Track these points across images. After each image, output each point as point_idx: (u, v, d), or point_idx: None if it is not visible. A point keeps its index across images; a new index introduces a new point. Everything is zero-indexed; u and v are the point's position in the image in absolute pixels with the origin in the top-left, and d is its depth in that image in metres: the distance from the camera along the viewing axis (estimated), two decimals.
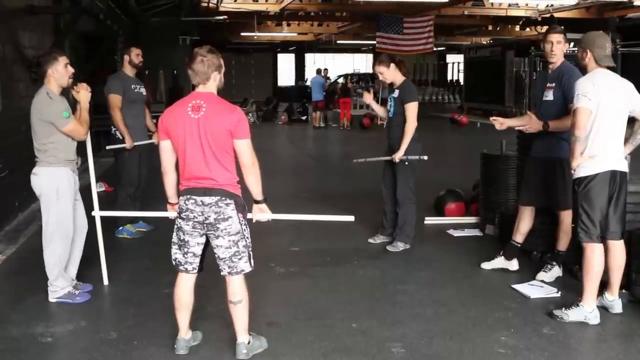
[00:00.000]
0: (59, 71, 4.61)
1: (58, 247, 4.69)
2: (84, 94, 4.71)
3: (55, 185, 4.63)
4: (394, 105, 5.98)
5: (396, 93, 5.97)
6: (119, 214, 5.35)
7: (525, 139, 5.65)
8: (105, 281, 5.08)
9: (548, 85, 5.04)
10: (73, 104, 4.79)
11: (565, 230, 5.13)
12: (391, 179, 6.09)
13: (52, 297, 4.71)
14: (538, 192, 5.16)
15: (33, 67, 7.46)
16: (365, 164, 6.70)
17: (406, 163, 5.88)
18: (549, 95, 5.01)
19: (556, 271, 5.15)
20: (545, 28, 23.04)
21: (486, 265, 5.44)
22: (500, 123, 5.21)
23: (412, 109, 5.85)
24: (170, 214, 3.85)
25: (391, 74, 5.95)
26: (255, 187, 3.70)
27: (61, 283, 4.71)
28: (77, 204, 4.84)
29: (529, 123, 5.02)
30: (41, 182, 4.66)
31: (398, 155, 5.83)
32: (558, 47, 4.99)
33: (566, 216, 5.09)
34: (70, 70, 4.69)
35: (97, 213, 4.82)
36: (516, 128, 5.27)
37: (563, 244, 5.16)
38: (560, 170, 4.98)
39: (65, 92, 4.84)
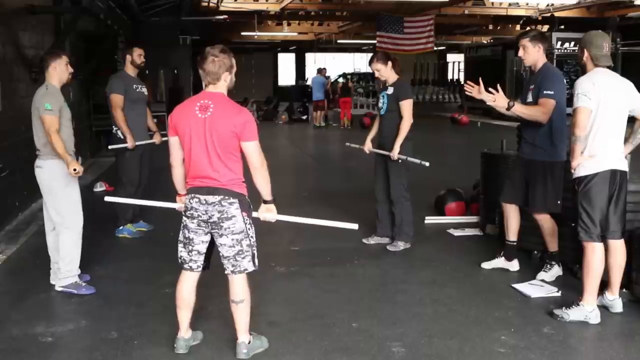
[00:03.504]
0: (62, 67, 4.84)
1: (74, 231, 4.82)
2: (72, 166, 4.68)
3: (63, 174, 4.72)
4: (387, 103, 5.95)
5: (390, 90, 5.94)
6: (131, 201, 5.30)
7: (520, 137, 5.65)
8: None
9: (530, 87, 5.06)
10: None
11: (547, 232, 5.13)
12: (384, 178, 6.06)
13: (59, 285, 4.80)
14: (520, 190, 5.18)
15: (34, 67, 7.49)
16: (363, 155, 6.59)
17: (399, 161, 5.83)
18: (529, 97, 5.03)
19: (556, 270, 5.16)
20: (545, 27, 23.09)
21: (486, 265, 5.44)
22: (478, 91, 4.98)
23: (407, 106, 5.85)
24: (177, 205, 3.87)
25: (388, 72, 5.94)
26: (265, 188, 3.71)
27: (73, 267, 4.81)
28: None
29: (495, 97, 4.86)
30: (47, 173, 4.76)
31: (395, 153, 5.80)
32: (525, 52, 5.02)
33: (544, 220, 5.10)
34: (70, 69, 4.91)
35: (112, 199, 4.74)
36: (486, 101, 4.94)
37: (552, 245, 5.16)
38: (541, 173, 4.99)
39: (65, 92, 4.89)
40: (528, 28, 5.56)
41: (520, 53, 5.07)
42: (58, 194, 4.78)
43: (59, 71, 4.83)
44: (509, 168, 5.49)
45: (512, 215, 5.29)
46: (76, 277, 4.84)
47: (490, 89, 4.86)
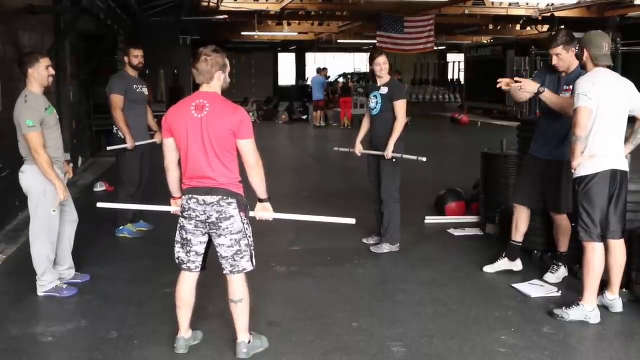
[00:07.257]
0: (40, 72, 4.68)
1: (45, 244, 4.77)
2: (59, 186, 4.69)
3: (43, 184, 4.70)
4: (380, 103, 5.92)
5: (384, 90, 5.91)
6: (124, 206, 5.30)
7: (525, 138, 5.62)
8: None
9: (565, 88, 4.89)
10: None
11: (563, 232, 5.11)
12: (377, 179, 6.02)
13: (40, 291, 4.78)
14: (535, 192, 5.13)
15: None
16: (359, 157, 6.56)
17: (394, 160, 5.80)
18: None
19: (562, 272, 5.13)
20: (545, 27, 23.07)
21: (489, 269, 5.34)
22: (506, 84, 4.92)
23: (401, 107, 5.83)
24: (172, 208, 3.86)
25: (386, 70, 5.93)
26: (260, 187, 3.71)
27: (49, 278, 4.79)
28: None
29: (522, 83, 4.82)
30: (29, 180, 4.75)
31: (389, 152, 5.76)
32: (560, 59, 4.83)
33: (562, 220, 5.07)
34: (51, 71, 4.76)
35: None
36: (512, 86, 4.92)
37: (563, 246, 5.15)
38: (566, 173, 4.89)
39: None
40: (554, 32, 5.21)
41: (555, 62, 4.85)
42: (38, 203, 4.72)
43: (37, 77, 4.66)
44: (521, 169, 5.33)
45: (522, 218, 5.22)
46: (56, 281, 4.82)
47: (516, 79, 4.84)
